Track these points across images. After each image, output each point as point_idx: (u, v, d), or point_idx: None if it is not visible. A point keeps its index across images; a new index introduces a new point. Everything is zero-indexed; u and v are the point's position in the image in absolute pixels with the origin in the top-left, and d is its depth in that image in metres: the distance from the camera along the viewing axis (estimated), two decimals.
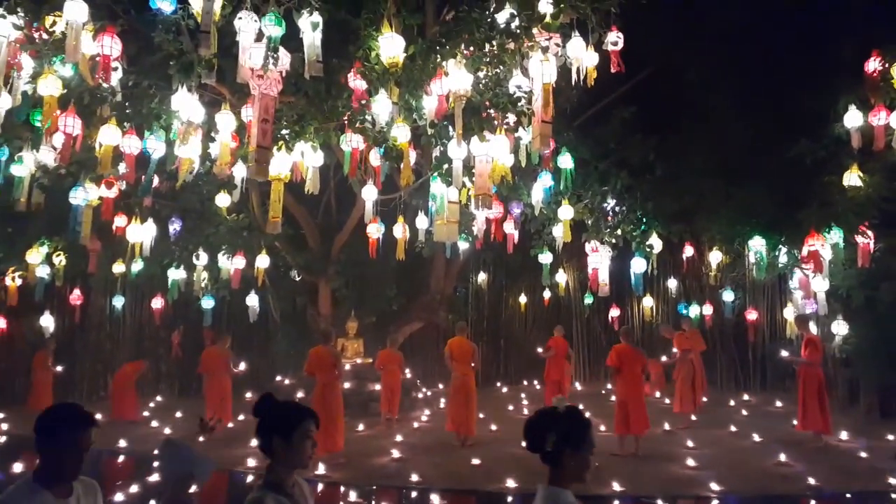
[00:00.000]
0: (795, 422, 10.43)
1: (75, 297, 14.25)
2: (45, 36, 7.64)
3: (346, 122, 8.54)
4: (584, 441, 2.53)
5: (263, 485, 2.61)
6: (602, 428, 10.58)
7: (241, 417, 12.06)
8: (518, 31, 7.65)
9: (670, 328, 14.09)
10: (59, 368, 14.66)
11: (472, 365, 10.84)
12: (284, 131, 8.47)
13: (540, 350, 14.01)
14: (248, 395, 14.86)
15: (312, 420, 2.69)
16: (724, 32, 14.27)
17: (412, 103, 8.23)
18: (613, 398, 10.50)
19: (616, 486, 7.98)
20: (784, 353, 11.23)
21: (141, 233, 10.52)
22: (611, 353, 9.95)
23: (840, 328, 11.95)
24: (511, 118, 8.16)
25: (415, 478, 8.55)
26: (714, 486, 7.96)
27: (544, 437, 2.50)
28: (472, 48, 7.87)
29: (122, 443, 10.94)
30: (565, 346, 13.70)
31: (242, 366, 12.87)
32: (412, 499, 8.07)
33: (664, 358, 14.14)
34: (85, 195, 9.17)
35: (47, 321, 14.38)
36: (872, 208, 10.71)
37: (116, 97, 8.20)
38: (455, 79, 7.36)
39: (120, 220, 10.50)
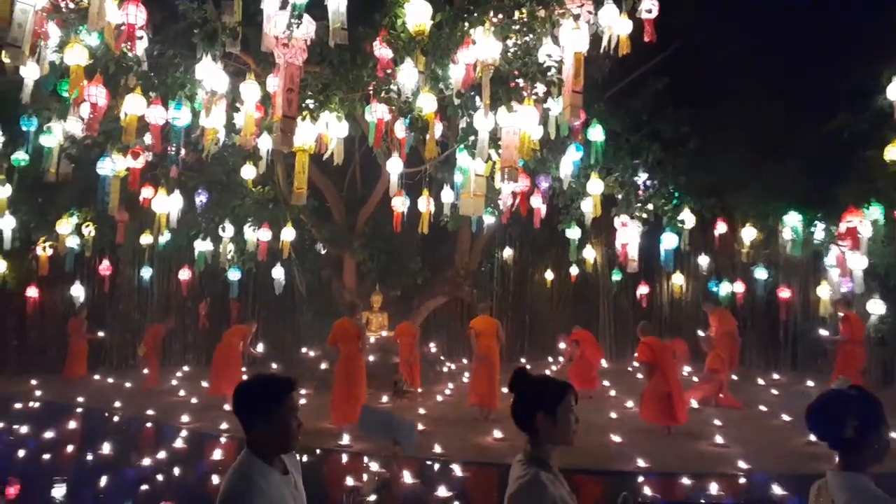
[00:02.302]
0: None
1: (104, 267, 14.45)
2: (71, 5, 7.61)
3: (371, 91, 8.40)
4: (883, 420, 2.42)
5: (529, 461, 2.47)
6: (629, 404, 10.48)
7: None
8: None
9: (710, 304, 13.80)
10: (100, 334, 15.02)
11: (497, 338, 10.76)
12: (309, 101, 8.36)
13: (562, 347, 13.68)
14: (273, 366, 15.03)
15: (573, 393, 2.55)
16: (760, 3, 13.78)
17: (438, 72, 8.06)
18: (640, 378, 10.32)
19: (641, 463, 7.88)
20: (822, 332, 10.96)
21: (167, 204, 10.55)
22: (641, 349, 9.60)
23: (877, 307, 11.62)
24: (540, 88, 7.95)
25: (437, 450, 8.54)
26: (742, 464, 7.83)
27: (843, 423, 2.37)
28: (500, 15, 7.66)
29: (150, 411, 11.13)
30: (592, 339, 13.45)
31: (260, 347, 12.98)
32: (434, 471, 8.06)
33: (700, 333, 13.85)
34: (112, 165, 9.21)
35: (77, 291, 14.62)
36: None
37: (142, 66, 8.16)
38: (483, 47, 7.16)
39: (147, 192, 10.54)
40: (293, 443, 2.51)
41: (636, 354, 9.77)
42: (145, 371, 14.14)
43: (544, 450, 2.50)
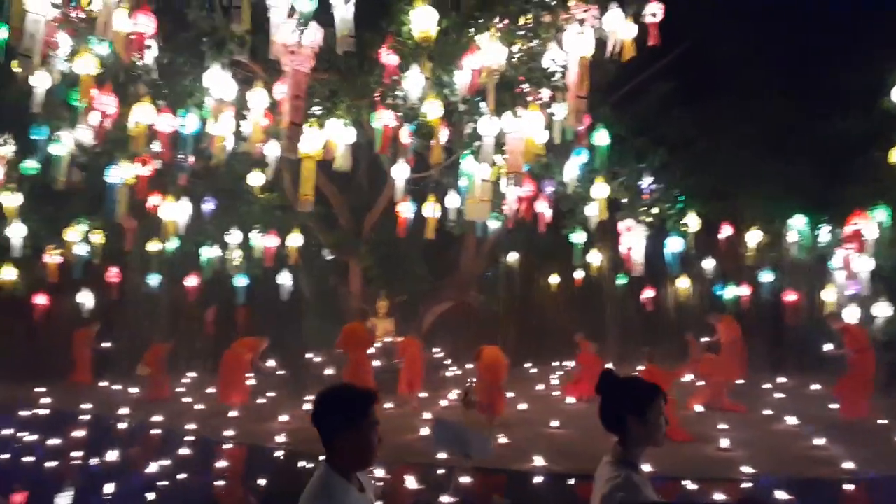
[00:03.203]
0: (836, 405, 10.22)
1: (112, 274, 14.52)
2: (81, 14, 7.71)
3: (377, 98, 8.47)
4: None
5: (620, 463, 2.48)
6: None
7: (271, 394, 12.24)
8: (554, 2, 7.47)
9: (716, 314, 13.81)
10: (107, 344, 15.09)
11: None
12: (316, 108, 8.44)
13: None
14: (279, 372, 15.07)
15: (663, 396, 2.54)
16: (765, 4, 13.82)
17: (444, 79, 8.13)
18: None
19: (647, 468, 7.88)
20: (827, 347, 10.97)
21: (175, 211, 10.63)
22: (644, 377, 9.70)
23: (883, 310, 11.60)
24: (545, 93, 8.01)
25: (442, 456, 8.55)
26: (747, 469, 7.82)
27: None
28: (506, 21, 7.72)
29: (157, 418, 11.18)
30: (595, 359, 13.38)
31: (271, 363, 12.95)
32: (439, 476, 8.08)
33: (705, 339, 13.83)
34: (121, 173, 9.29)
35: (86, 298, 14.69)
36: None
37: (151, 75, 8.24)
38: (488, 53, 7.23)
39: (154, 199, 10.62)
40: (373, 459, 2.40)
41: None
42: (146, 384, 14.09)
43: (634, 452, 2.51)
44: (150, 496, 7.28)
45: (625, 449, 2.51)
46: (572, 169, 10.12)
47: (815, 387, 13.01)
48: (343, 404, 2.38)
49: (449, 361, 15.54)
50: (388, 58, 7.86)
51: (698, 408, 11.24)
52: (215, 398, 12.15)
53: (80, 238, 12.41)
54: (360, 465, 2.41)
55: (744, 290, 14.54)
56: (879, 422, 10.20)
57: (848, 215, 10.46)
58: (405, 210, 10.79)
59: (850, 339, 9.91)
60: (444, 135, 8.83)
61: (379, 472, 8.12)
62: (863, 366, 9.82)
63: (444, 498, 6.92)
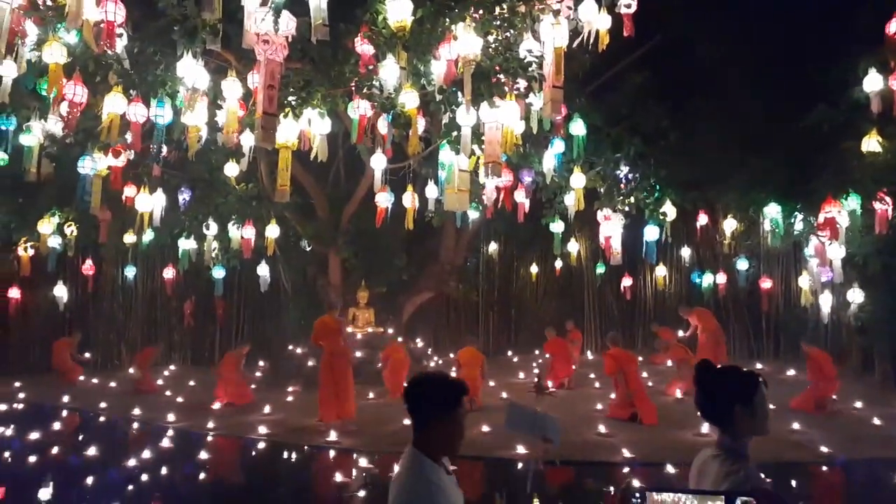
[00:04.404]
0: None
1: (87, 267, 14.33)
2: (49, 2, 7.53)
3: (353, 88, 8.40)
4: None
5: (731, 455, 2.44)
6: (613, 395, 10.57)
7: (253, 387, 12.19)
8: None
9: (685, 307, 13.98)
10: (87, 355, 14.94)
11: (482, 373, 11.13)
12: (291, 98, 8.34)
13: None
14: (261, 363, 15.01)
15: (764, 383, 2.51)
16: None
17: (420, 68, 8.08)
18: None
19: (626, 453, 7.97)
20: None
21: (150, 202, 10.50)
22: (607, 361, 10.13)
23: (856, 296, 11.82)
24: (521, 83, 7.98)
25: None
26: None
27: None
28: (481, 11, 7.68)
29: (137, 411, 11.09)
30: (565, 346, 13.58)
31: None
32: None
33: (681, 333, 13.98)
34: (93, 164, 9.14)
35: (60, 291, 14.50)
36: (891, 174, 10.47)
37: (122, 64, 8.10)
38: (464, 43, 7.18)
39: (129, 190, 10.48)
40: (460, 445, 2.48)
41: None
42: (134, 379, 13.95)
43: (743, 442, 2.47)
44: (130, 489, 7.24)
45: (733, 440, 2.47)
46: (550, 159, 10.14)
47: (791, 372, 13.23)
48: (440, 392, 2.48)
49: (430, 351, 15.57)
50: (363, 47, 7.79)
51: (678, 394, 11.38)
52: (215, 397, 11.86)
53: (53, 230, 12.20)
54: (449, 450, 2.49)
55: (720, 278, 14.72)
56: (856, 405, 10.43)
57: (820, 204, 10.59)
58: (383, 200, 10.75)
59: (815, 368, 10.51)
60: (421, 125, 8.79)
61: (363, 462, 8.15)
62: (824, 392, 10.32)
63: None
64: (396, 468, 2.50)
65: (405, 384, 2.57)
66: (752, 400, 2.44)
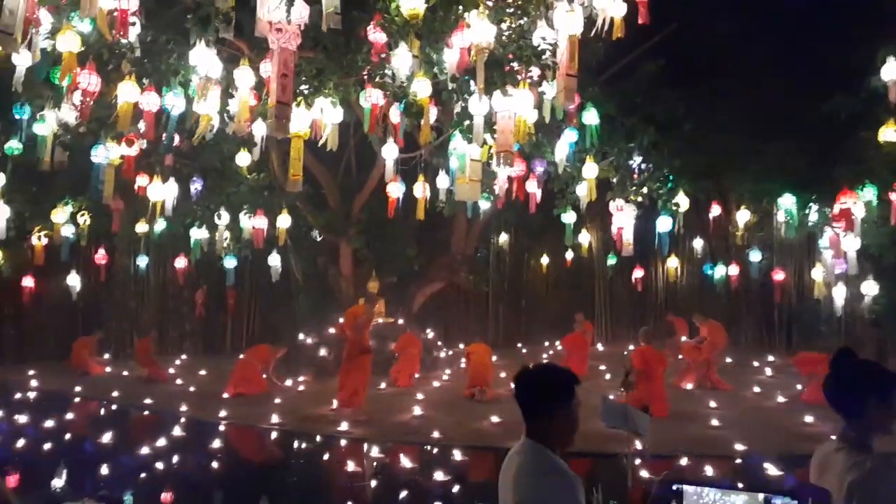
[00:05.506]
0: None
1: (100, 256, 14.41)
2: None
3: (365, 76, 8.36)
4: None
5: (857, 447, 2.37)
6: (622, 389, 10.53)
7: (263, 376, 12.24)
8: None
9: (700, 317, 13.74)
10: (106, 356, 15.19)
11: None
12: (303, 87, 8.32)
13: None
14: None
15: None
16: None
17: (433, 57, 8.02)
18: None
19: (638, 445, 7.93)
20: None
21: (162, 192, 10.52)
22: (636, 357, 9.70)
23: (870, 288, 11.71)
24: (535, 72, 7.92)
25: (436, 434, 8.61)
26: (737, 446, 7.90)
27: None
28: None
29: (149, 400, 11.16)
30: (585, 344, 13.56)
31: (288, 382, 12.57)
32: (433, 455, 8.13)
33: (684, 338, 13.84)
34: (106, 154, 9.16)
35: (74, 280, 14.59)
36: None
37: (135, 52, 8.09)
38: (477, 31, 7.11)
39: (141, 180, 10.50)
40: (574, 439, 2.40)
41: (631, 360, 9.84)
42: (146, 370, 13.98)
43: (870, 436, 2.40)
44: (144, 477, 7.29)
45: (858, 433, 2.41)
46: (563, 148, 10.06)
47: None
48: (559, 383, 2.41)
49: (440, 343, 15.58)
50: (376, 35, 7.74)
51: (688, 386, 11.34)
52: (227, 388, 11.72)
53: (67, 219, 12.26)
54: (567, 441, 2.41)
55: (733, 270, 14.62)
56: None
57: (836, 194, 10.48)
58: (395, 190, 10.73)
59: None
60: (433, 114, 8.74)
61: (374, 451, 8.18)
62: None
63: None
64: (508, 461, 2.39)
65: (516, 376, 2.46)
66: (891, 397, 2.38)
